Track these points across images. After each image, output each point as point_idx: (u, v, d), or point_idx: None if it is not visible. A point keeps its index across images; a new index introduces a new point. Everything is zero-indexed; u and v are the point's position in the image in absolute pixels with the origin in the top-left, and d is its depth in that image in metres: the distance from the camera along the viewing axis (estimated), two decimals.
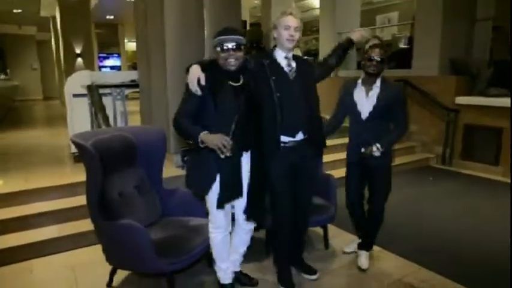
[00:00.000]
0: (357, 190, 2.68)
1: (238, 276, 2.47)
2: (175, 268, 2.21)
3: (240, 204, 2.21)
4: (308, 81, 2.29)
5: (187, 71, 2.06)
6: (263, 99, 2.15)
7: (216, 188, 2.09)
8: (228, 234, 2.28)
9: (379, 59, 2.38)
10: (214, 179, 2.07)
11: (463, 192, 4.49)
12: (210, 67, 2.05)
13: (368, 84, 2.48)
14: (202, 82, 1.99)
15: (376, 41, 2.46)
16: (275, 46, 2.28)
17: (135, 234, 2.11)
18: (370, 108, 2.45)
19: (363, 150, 2.47)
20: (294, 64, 2.26)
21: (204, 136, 1.93)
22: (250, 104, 2.09)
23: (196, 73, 2.01)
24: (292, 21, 2.15)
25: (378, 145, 2.43)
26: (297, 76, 2.24)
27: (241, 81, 2.10)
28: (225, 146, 1.88)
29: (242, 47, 2.03)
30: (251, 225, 2.34)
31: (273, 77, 2.18)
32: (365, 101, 2.48)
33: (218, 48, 2.02)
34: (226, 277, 2.36)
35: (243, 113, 2.05)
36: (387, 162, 2.57)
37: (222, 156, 1.92)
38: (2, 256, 2.75)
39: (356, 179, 2.65)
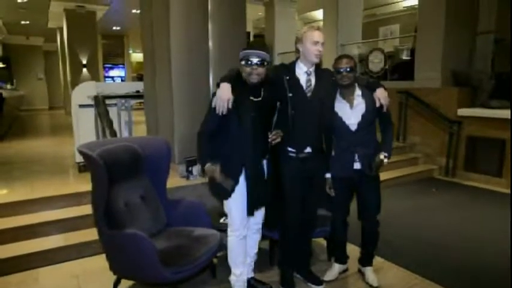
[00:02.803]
0: (346, 206, 2.58)
1: (253, 283, 2.51)
2: (179, 277, 2.22)
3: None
4: (324, 99, 2.35)
5: (218, 85, 2.12)
6: (279, 113, 2.28)
7: (237, 191, 2.20)
8: (244, 238, 2.35)
9: (348, 69, 2.34)
10: (237, 182, 2.19)
11: (466, 203, 4.48)
12: (236, 80, 2.13)
13: (348, 95, 2.41)
14: (230, 106, 2.08)
15: (342, 54, 2.48)
16: (297, 59, 2.35)
17: (140, 244, 2.13)
18: (359, 119, 2.39)
19: (371, 163, 2.40)
20: (313, 80, 2.33)
21: (208, 168, 2.11)
22: (267, 116, 2.24)
23: (226, 95, 2.07)
24: (320, 37, 2.24)
25: (385, 153, 2.38)
26: (314, 94, 2.32)
27: (261, 96, 2.19)
28: None
29: (265, 63, 2.12)
30: (259, 225, 2.43)
31: (290, 94, 2.26)
32: (350, 112, 2.40)
33: (243, 62, 2.10)
34: (239, 284, 2.39)
35: (260, 125, 2.17)
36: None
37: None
38: (8, 265, 2.78)
39: (345, 195, 2.54)
